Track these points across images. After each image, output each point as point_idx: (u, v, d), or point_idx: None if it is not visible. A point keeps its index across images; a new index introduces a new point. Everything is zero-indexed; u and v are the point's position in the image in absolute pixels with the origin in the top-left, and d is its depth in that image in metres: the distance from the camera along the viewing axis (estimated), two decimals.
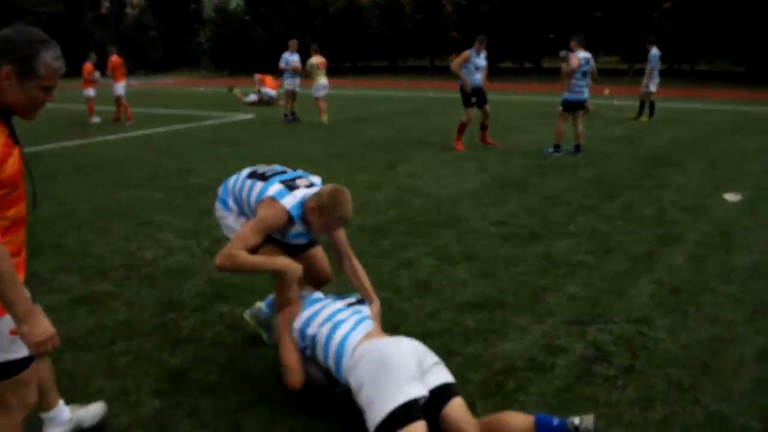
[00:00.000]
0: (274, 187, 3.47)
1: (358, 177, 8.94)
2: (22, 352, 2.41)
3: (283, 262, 3.40)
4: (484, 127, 11.52)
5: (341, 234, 3.69)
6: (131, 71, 17.49)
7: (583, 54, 10.26)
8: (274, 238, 3.61)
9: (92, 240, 6.59)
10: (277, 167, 3.75)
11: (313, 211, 3.38)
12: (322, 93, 15.31)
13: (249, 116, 17.59)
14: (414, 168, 9.51)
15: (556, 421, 2.83)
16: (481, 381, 3.61)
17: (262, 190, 3.49)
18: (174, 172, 10.04)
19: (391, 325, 4.33)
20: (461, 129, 11.18)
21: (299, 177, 3.63)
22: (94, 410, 3.26)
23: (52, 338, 2.27)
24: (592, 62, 10.44)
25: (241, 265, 3.32)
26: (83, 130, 15.80)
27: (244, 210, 3.67)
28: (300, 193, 3.46)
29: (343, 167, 9.70)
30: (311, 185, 3.59)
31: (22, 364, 2.46)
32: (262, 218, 3.39)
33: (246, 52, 41.57)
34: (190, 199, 8.16)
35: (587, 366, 3.76)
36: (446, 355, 3.88)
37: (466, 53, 11.06)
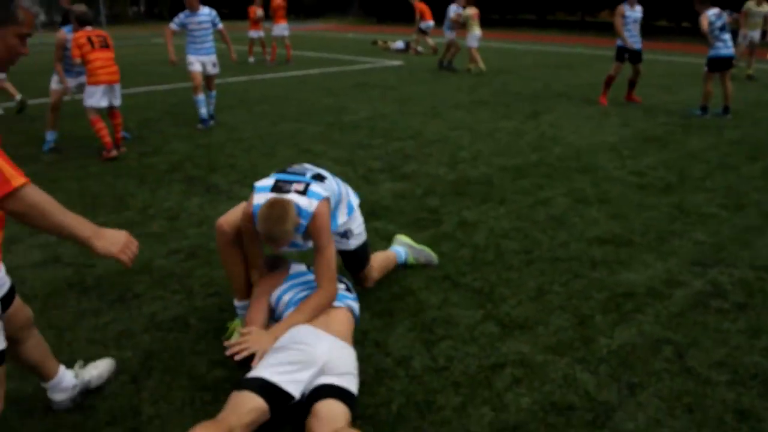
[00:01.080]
0: (264, 181, 3.46)
1: (501, 123, 9.36)
2: None
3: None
4: (631, 84, 11.48)
5: (318, 257, 3.33)
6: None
7: (711, 11, 10.02)
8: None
9: (260, 161, 7.48)
10: (307, 167, 3.59)
11: None
12: (476, 43, 15.68)
13: (397, 63, 18.19)
14: (556, 118, 9.78)
15: None
16: (602, 300, 4.07)
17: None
18: (328, 109, 10.84)
19: (524, 250, 4.85)
20: (608, 82, 11.21)
21: (299, 182, 3.39)
22: (101, 369, 3.19)
23: (130, 242, 2.25)
24: (725, 14, 10.18)
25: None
26: (245, 68, 17.00)
27: None
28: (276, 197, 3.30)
29: (488, 114, 10.12)
30: (304, 191, 3.34)
31: None
32: (242, 228, 3.50)
33: (395, 1, 42.04)
34: (345, 134, 8.90)
35: (703, 299, 4.12)
36: (572, 278, 4.38)
37: (621, 8, 10.98)
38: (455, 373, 3.33)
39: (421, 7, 20.04)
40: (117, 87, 7.78)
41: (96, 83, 7.53)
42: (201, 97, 9.30)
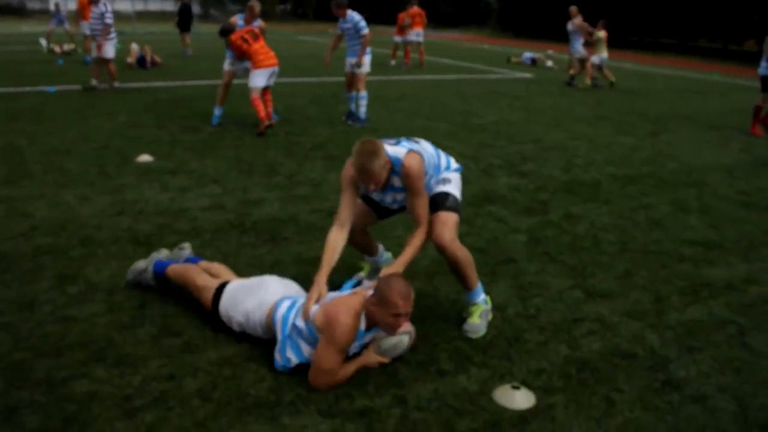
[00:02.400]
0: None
1: (620, 138, 9.82)
2: None
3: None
4: (757, 112, 11.42)
5: (414, 200, 3.71)
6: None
7: None
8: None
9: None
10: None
11: None
12: (598, 61, 16.24)
13: (527, 75, 18.73)
14: (676, 139, 10.12)
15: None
16: (682, 286, 4.64)
17: None
18: (458, 112, 11.63)
19: (619, 241, 5.45)
20: (756, 113, 11.13)
21: (392, 139, 3.79)
22: None
23: None
24: None
25: None
26: (384, 69, 18.05)
27: None
28: None
29: (609, 129, 10.59)
30: (396, 143, 3.71)
31: None
32: (342, 175, 3.73)
33: (532, 16, 42.32)
34: (472, 134, 9.67)
35: None
36: (659, 267, 4.96)
37: None
38: (541, 320, 4.03)
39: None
40: (277, 70, 9.00)
41: (261, 67, 8.77)
42: (349, 94, 10.16)
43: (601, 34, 16.27)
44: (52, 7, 21.64)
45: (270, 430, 2.92)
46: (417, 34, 19.22)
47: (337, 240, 3.65)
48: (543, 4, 39.95)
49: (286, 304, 3.50)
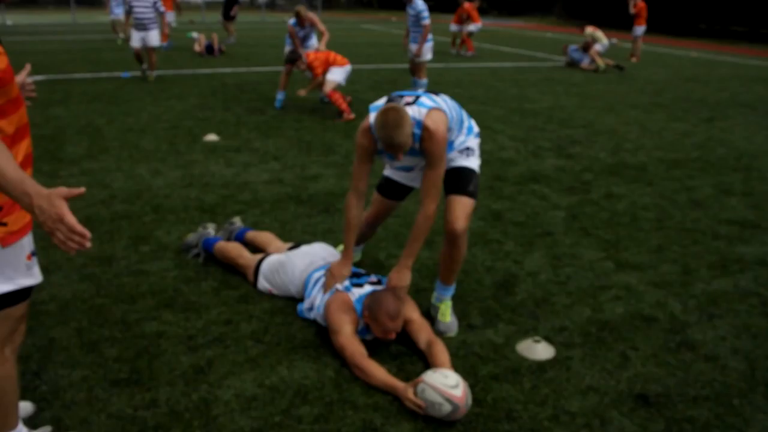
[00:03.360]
0: (377, 102, 3.52)
1: (674, 124, 9.89)
2: (33, 278, 2.26)
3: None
4: None
5: (428, 171, 3.41)
6: (485, 11, 19.97)
7: None
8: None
9: None
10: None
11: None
12: (602, 49, 17.35)
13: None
14: (731, 125, 10.11)
15: None
16: (712, 261, 4.84)
17: None
18: (513, 97, 11.84)
19: (657, 219, 5.66)
20: None
21: (410, 95, 3.45)
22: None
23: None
24: None
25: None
26: (444, 57, 18.31)
27: None
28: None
29: (663, 115, 10.64)
30: (414, 102, 3.37)
31: (26, 292, 2.28)
32: (356, 143, 3.51)
33: (597, 4, 41.69)
34: (524, 118, 9.90)
35: None
36: (692, 243, 5.17)
37: None
38: (570, 287, 4.32)
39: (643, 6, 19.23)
40: (351, 69, 9.55)
41: (341, 65, 9.23)
42: (413, 78, 10.59)
43: (589, 30, 17.61)
44: None
45: (313, 366, 3.32)
46: (475, 26, 19.53)
47: (359, 217, 3.62)
48: None
49: (314, 277, 3.84)
